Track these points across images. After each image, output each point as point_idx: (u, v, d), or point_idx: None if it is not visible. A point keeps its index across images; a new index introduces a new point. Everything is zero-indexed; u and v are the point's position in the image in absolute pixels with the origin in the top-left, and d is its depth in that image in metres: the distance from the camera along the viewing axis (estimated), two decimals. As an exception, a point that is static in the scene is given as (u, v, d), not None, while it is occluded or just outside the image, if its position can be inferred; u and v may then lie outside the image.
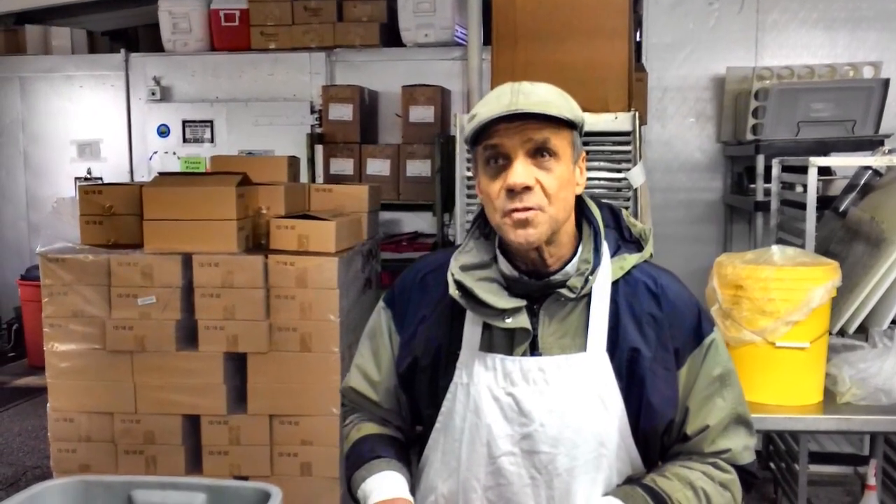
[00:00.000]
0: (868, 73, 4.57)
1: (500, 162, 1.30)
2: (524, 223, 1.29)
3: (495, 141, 1.29)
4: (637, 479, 1.37)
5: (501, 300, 1.33)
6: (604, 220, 1.42)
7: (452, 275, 1.36)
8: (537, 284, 1.36)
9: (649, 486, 1.34)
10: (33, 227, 6.50)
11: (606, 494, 1.34)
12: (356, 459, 1.48)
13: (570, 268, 1.36)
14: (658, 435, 1.38)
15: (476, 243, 1.42)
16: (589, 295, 1.36)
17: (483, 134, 1.30)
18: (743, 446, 1.41)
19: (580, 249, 1.38)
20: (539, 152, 1.29)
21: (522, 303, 1.34)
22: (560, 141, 1.30)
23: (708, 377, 1.38)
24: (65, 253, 3.31)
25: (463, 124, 3.09)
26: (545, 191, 1.29)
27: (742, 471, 1.41)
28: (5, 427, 5.06)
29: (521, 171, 1.27)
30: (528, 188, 1.27)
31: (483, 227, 1.42)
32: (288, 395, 3.25)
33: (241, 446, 3.28)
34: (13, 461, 4.52)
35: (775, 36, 5.01)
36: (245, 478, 3.19)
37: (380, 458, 1.45)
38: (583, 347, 1.34)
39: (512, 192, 1.28)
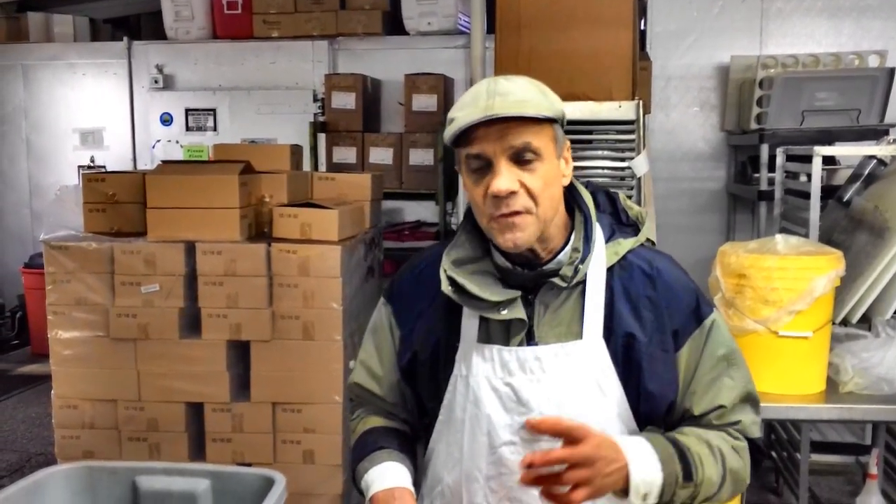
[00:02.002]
0: (873, 61, 4.56)
1: (482, 166, 1.29)
2: (511, 227, 1.28)
3: (476, 150, 1.28)
4: (654, 430, 1.37)
5: (495, 293, 1.34)
6: (599, 205, 1.42)
7: (445, 271, 1.36)
8: (531, 275, 1.36)
9: (669, 435, 1.35)
10: (36, 215, 6.51)
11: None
12: (360, 451, 1.48)
13: (562, 256, 1.36)
14: (659, 418, 1.38)
15: (468, 237, 1.42)
16: (583, 282, 1.36)
17: (463, 138, 1.29)
18: (752, 421, 1.42)
19: (571, 238, 1.37)
20: (520, 155, 1.28)
21: (516, 294, 1.34)
22: (541, 140, 1.29)
23: (713, 358, 1.38)
24: (68, 241, 3.31)
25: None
26: (530, 192, 1.28)
27: (751, 446, 1.42)
28: (9, 414, 5.09)
29: (505, 177, 1.26)
30: (512, 193, 1.27)
31: (474, 220, 1.41)
32: (291, 383, 3.26)
33: (245, 434, 3.29)
34: (17, 448, 4.54)
35: (780, 24, 4.99)
36: (248, 465, 3.20)
37: (382, 450, 1.46)
38: (579, 335, 1.34)
39: (497, 198, 1.27)
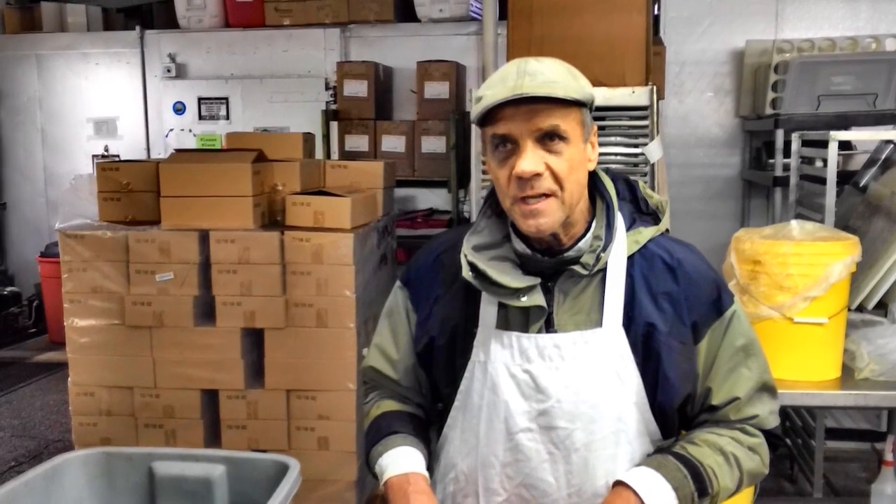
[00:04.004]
0: (891, 45, 4.50)
1: (508, 147, 1.28)
2: (535, 213, 1.27)
3: (503, 130, 1.27)
4: (667, 448, 1.37)
5: (515, 280, 1.33)
6: (619, 192, 1.41)
7: (465, 256, 1.36)
8: (551, 262, 1.35)
9: (680, 453, 1.34)
10: (51, 205, 6.56)
11: (639, 465, 1.34)
12: (374, 435, 1.49)
13: (582, 244, 1.35)
14: (675, 409, 1.38)
15: (488, 222, 1.41)
16: (603, 270, 1.35)
17: (489, 117, 1.28)
18: (769, 411, 1.41)
19: (593, 225, 1.36)
20: (548, 137, 1.26)
21: (536, 281, 1.34)
22: (569, 123, 1.27)
23: (731, 349, 1.38)
24: (83, 230, 3.33)
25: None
26: (556, 175, 1.27)
27: (768, 434, 1.42)
28: (27, 402, 5.14)
29: (530, 158, 1.25)
30: (538, 174, 1.26)
31: (495, 206, 1.41)
32: (304, 371, 3.28)
33: (259, 420, 3.31)
34: (35, 435, 4.59)
35: (796, 8, 4.93)
36: (263, 451, 3.22)
37: (397, 434, 1.46)
38: (598, 323, 1.34)
39: (522, 179, 1.26)
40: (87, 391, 3.36)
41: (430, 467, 1.46)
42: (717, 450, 1.35)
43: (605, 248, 1.34)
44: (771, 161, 4.40)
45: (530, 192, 1.26)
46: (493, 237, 1.39)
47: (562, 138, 1.27)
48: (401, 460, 1.41)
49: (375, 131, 5.35)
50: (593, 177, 1.39)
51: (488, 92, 1.27)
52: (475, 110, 1.29)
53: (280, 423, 3.31)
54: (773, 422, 1.42)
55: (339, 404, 3.28)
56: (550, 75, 1.26)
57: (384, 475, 1.41)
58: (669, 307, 1.35)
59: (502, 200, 1.33)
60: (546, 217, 1.28)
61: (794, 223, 2.34)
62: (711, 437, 1.37)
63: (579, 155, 1.30)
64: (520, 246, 1.37)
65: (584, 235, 1.36)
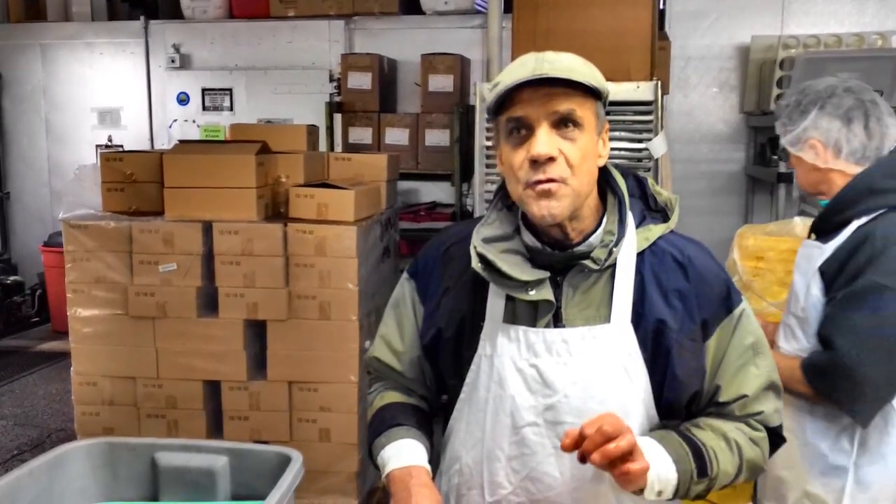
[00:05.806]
0: (897, 42, 4.48)
1: (522, 132, 1.28)
2: (547, 194, 1.27)
3: (519, 113, 1.27)
4: (671, 427, 1.37)
5: (524, 273, 1.33)
6: (629, 189, 1.41)
7: (475, 248, 1.35)
8: (561, 256, 1.35)
9: (683, 432, 1.35)
10: (55, 194, 6.57)
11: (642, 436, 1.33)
12: (378, 426, 1.49)
13: (594, 239, 1.35)
14: (682, 406, 1.38)
15: (499, 215, 1.41)
16: (613, 266, 1.34)
17: (506, 103, 1.28)
18: (774, 409, 1.41)
19: (605, 220, 1.36)
20: (563, 122, 1.27)
21: (545, 275, 1.33)
22: (585, 111, 1.28)
23: (740, 347, 1.38)
24: (87, 220, 3.34)
25: (483, 94, 3.07)
26: (568, 162, 1.27)
27: (771, 432, 1.41)
28: (30, 391, 5.16)
29: (545, 141, 1.25)
30: (551, 159, 1.25)
31: (506, 198, 1.41)
32: (307, 363, 3.28)
33: (262, 412, 3.32)
34: (38, 424, 4.61)
35: (802, 3, 4.92)
36: (265, 443, 3.23)
37: (400, 426, 1.46)
38: (607, 319, 1.33)
39: (535, 163, 1.26)
40: (89, 381, 3.37)
41: (435, 459, 1.46)
42: (720, 434, 1.35)
43: (617, 243, 1.34)
44: (775, 157, 4.39)
45: (542, 177, 1.26)
46: (504, 230, 1.39)
47: (577, 125, 1.27)
48: (403, 453, 1.41)
49: (379, 124, 5.34)
50: (605, 173, 1.39)
51: (506, 77, 1.28)
52: (492, 95, 1.29)
53: (282, 415, 3.32)
54: (776, 420, 1.42)
55: (341, 396, 3.29)
56: (569, 63, 1.27)
57: (386, 468, 1.41)
58: (680, 304, 1.34)
59: (513, 189, 1.32)
60: (558, 201, 1.27)
61: (797, 220, 2.34)
62: (716, 422, 1.37)
63: (592, 145, 1.30)
64: (530, 239, 1.37)
65: (594, 231, 1.36)
